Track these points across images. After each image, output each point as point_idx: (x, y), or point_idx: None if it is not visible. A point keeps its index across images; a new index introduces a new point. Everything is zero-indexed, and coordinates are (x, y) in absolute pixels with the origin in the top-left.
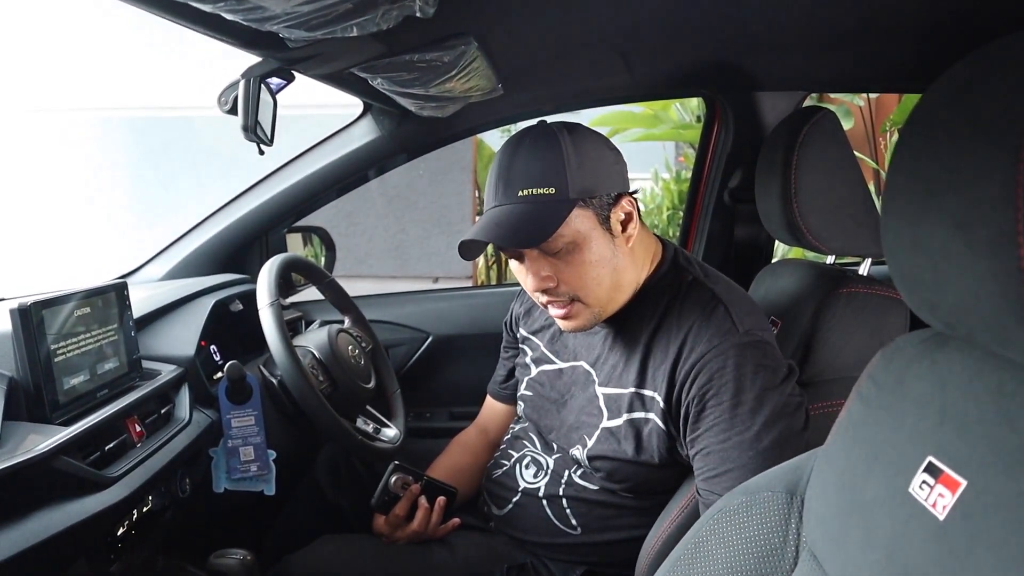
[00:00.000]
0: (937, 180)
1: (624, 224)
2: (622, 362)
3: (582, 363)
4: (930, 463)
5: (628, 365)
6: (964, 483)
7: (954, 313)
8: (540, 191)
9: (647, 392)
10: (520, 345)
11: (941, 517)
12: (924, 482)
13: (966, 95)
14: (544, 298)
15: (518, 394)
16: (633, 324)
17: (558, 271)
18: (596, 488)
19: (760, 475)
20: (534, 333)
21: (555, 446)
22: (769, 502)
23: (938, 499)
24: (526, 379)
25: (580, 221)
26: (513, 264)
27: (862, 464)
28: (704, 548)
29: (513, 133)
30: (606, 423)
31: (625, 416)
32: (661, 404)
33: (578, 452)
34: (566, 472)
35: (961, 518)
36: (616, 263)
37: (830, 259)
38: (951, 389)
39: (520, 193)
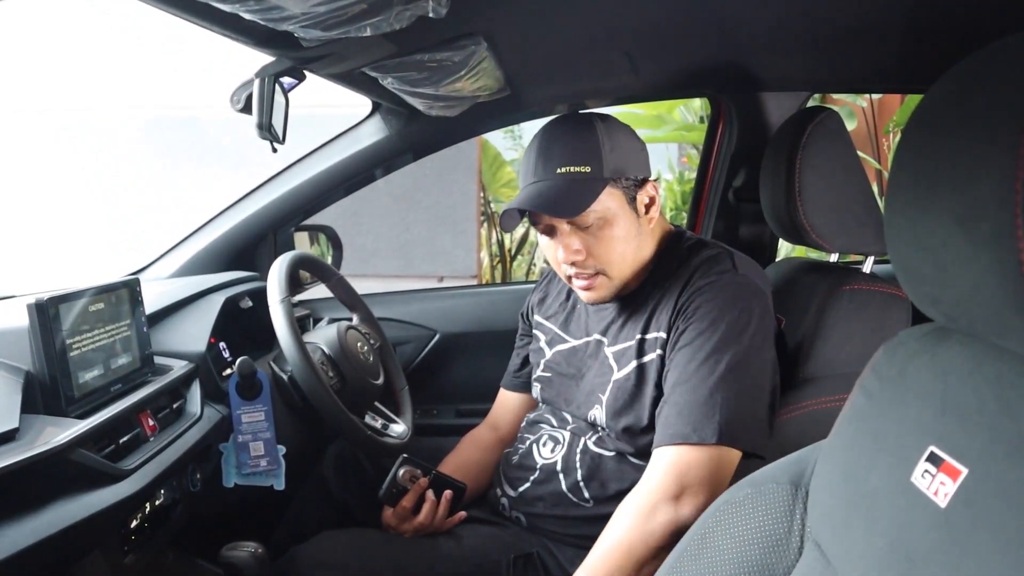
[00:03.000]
0: (938, 177)
1: (648, 207)
2: (631, 321)
3: (594, 336)
4: (932, 452)
5: (636, 321)
6: (965, 471)
7: (955, 306)
8: (577, 169)
9: (650, 335)
10: (534, 331)
11: (943, 505)
12: (926, 471)
13: (966, 94)
14: (572, 271)
15: (534, 377)
16: (643, 292)
17: (588, 245)
18: (609, 454)
19: (765, 467)
20: (548, 318)
21: (570, 418)
22: (774, 493)
23: (940, 487)
24: (542, 362)
25: (611, 199)
26: (543, 240)
27: (865, 455)
28: (710, 540)
29: (549, 119)
30: (616, 375)
31: (634, 363)
32: (664, 336)
33: (596, 412)
34: (581, 440)
35: (963, 505)
36: (639, 241)
37: (833, 257)
38: (952, 380)
39: (559, 170)
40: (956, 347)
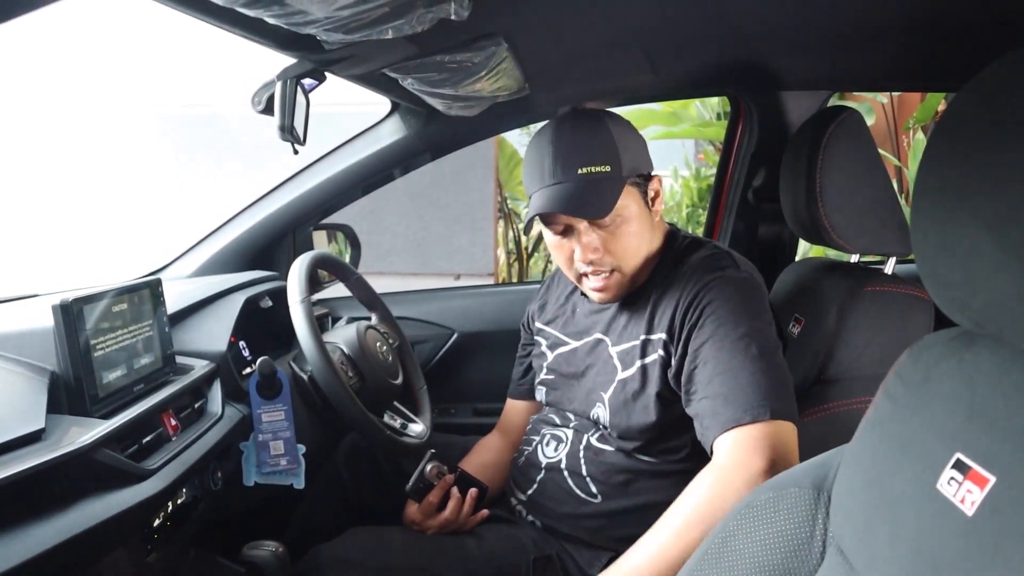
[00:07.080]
0: (967, 182)
1: (654, 200)
2: (632, 320)
3: (595, 335)
4: (958, 460)
5: (638, 321)
6: (993, 479)
7: (984, 311)
8: (598, 169)
9: (654, 336)
10: (535, 338)
11: (970, 513)
12: (952, 478)
13: (997, 98)
14: (587, 269)
15: (537, 381)
16: (645, 291)
17: (606, 243)
18: (612, 449)
19: (786, 471)
20: (548, 323)
21: (573, 417)
22: (796, 498)
23: (966, 495)
24: (544, 365)
25: (629, 197)
26: (553, 240)
27: (889, 461)
28: (731, 543)
29: (552, 118)
30: (621, 375)
31: (637, 363)
32: (664, 336)
33: (599, 411)
34: (584, 438)
35: (990, 513)
36: (650, 236)
37: (854, 258)
38: (979, 386)
39: (580, 171)
40: (983, 352)
